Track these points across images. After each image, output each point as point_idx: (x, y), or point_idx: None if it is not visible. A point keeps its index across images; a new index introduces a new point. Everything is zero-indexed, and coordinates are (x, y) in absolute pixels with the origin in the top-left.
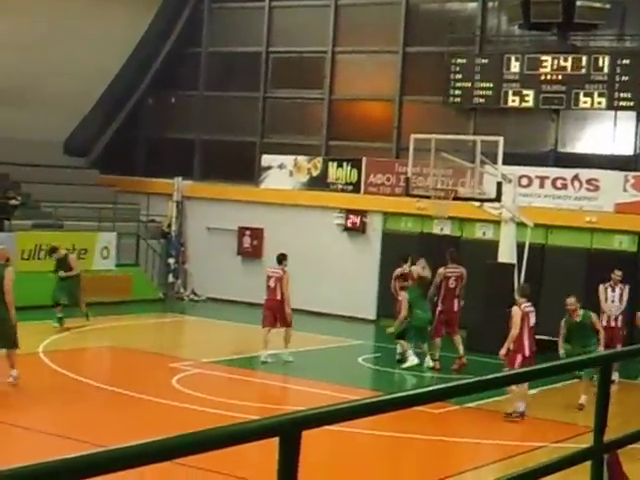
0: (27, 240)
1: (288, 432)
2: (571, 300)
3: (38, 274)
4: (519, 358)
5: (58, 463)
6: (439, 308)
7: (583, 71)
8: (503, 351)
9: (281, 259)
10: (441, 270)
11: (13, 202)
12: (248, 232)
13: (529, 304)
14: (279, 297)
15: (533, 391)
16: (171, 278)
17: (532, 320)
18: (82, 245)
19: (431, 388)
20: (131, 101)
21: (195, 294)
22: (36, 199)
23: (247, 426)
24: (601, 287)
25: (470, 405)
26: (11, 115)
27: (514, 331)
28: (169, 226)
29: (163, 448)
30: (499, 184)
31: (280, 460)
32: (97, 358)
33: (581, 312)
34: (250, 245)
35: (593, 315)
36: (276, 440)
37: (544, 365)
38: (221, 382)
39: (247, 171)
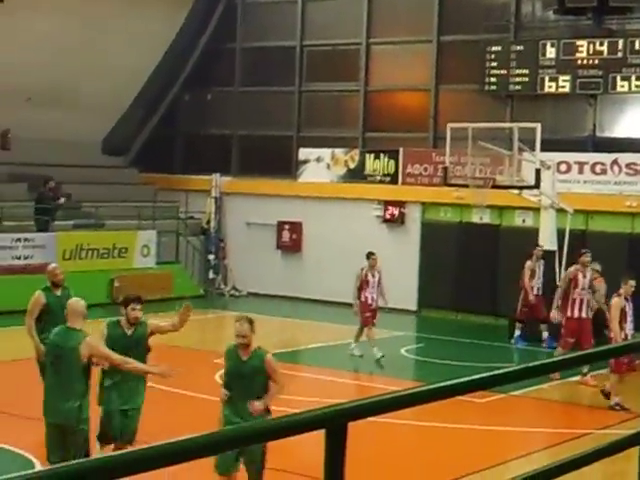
0: (68, 240)
1: (334, 423)
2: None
3: (79, 274)
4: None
5: (102, 460)
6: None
7: (619, 55)
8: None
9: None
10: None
11: (60, 201)
12: (287, 226)
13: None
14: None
15: (577, 378)
16: (211, 274)
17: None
18: (122, 244)
19: (472, 377)
20: (167, 99)
21: (236, 289)
22: (76, 199)
23: (294, 418)
24: None
25: (515, 393)
26: (50, 116)
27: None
28: (208, 222)
29: (210, 442)
30: (538, 171)
31: (327, 451)
32: None
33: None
34: (289, 239)
35: None
36: (322, 432)
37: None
38: None
39: (284, 165)
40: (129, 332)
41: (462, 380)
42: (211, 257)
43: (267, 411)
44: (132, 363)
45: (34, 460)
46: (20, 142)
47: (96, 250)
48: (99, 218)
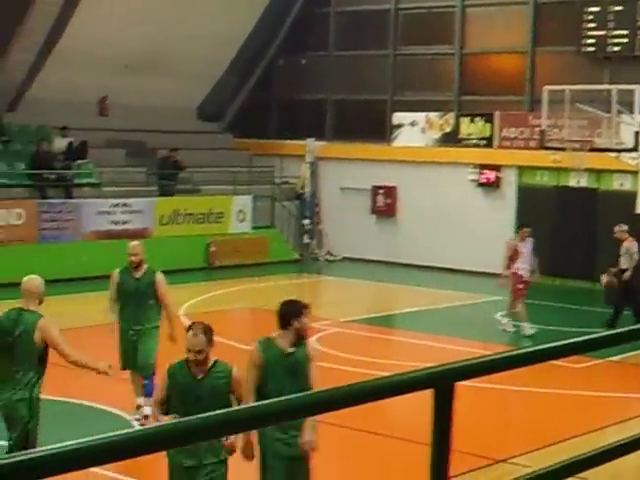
0: (165, 206)
1: (442, 383)
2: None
3: (176, 239)
4: None
5: (217, 417)
6: None
7: None
8: None
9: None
10: None
11: (181, 170)
12: (381, 190)
13: None
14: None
15: None
16: (306, 239)
17: None
18: (218, 209)
19: (574, 340)
20: (262, 64)
21: (330, 254)
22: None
23: (402, 378)
24: None
25: (613, 359)
26: (146, 83)
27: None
28: (303, 187)
29: (319, 401)
30: (637, 133)
31: (435, 412)
32: (238, 319)
33: None
34: (384, 203)
35: None
36: (429, 392)
37: None
38: (361, 341)
39: (379, 130)
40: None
41: (565, 342)
42: (306, 222)
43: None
44: (81, 358)
45: (127, 417)
46: (118, 109)
47: (192, 215)
48: (195, 184)
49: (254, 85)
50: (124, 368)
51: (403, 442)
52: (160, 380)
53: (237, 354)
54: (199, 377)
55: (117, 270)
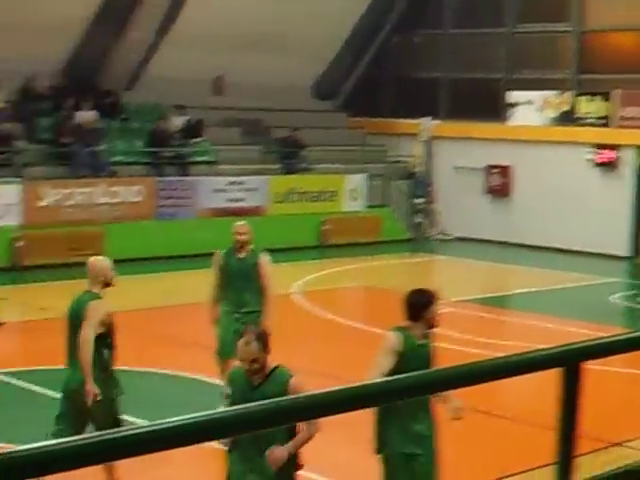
0: (279, 184)
1: (572, 362)
2: None
3: (290, 217)
4: None
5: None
6: None
7: None
8: None
9: None
10: None
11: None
12: (496, 170)
13: None
14: None
15: None
16: (419, 218)
17: None
18: (332, 187)
19: None
20: (376, 42)
21: (443, 233)
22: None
23: (531, 356)
24: None
25: None
26: (261, 60)
27: None
28: (416, 166)
29: (437, 379)
30: None
31: (564, 390)
32: (350, 298)
33: None
34: (498, 183)
35: None
36: (558, 371)
37: None
38: (474, 321)
39: (493, 108)
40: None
41: None
42: (419, 201)
43: (292, 462)
44: (85, 358)
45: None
46: (234, 87)
47: (306, 193)
48: (309, 162)
49: (368, 63)
50: (222, 357)
51: (515, 423)
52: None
53: (347, 332)
54: (255, 384)
55: (220, 252)
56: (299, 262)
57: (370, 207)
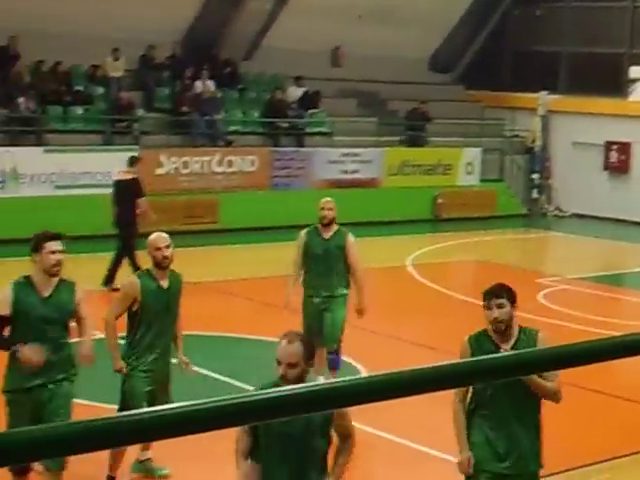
0: (394, 156)
1: None
2: None
3: (403, 190)
4: None
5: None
6: None
7: None
8: None
9: None
10: None
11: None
12: (615, 146)
13: None
14: None
15: None
16: (535, 194)
17: None
18: (447, 161)
19: None
20: (496, 14)
21: (560, 210)
22: (403, 116)
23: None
24: None
25: None
26: (379, 33)
27: None
28: (533, 141)
29: (555, 357)
30: None
31: None
32: (463, 272)
33: None
34: (617, 160)
35: None
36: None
37: None
38: (588, 298)
39: (614, 84)
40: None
41: None
42: (535, 176)
43: None
44: (110, 337)
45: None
46: (350, 59)
47: (421, 166)
48: (425, 135)
49: (487, 36)
50: None
51: (631, 404)
52: None
53: (459, 306)
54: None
55: (304, 230)
56: (413, 235)
57: (485, 181)
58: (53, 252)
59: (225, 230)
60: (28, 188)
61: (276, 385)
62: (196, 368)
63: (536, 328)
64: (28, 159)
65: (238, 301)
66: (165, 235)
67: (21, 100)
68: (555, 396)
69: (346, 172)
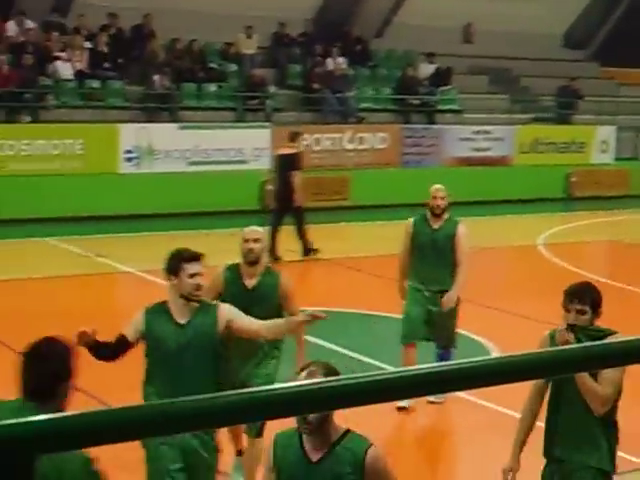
0: (526, 134)
1: None
2: None
3: (536, 168)
4: None
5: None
6: None
7: None
8: None
9: None
10: None
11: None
12: None
13: None
14: None
15: None
16: None
17: None
18: (580, 139)
19: None
20: None
21: None
22: (536, 93)
23: None
24: None
25: None
26: (512, 9)
27: None
28: None
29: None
30: None
31: None
32: (595, 252)
33: None
34: None
35: None
36: None
37: None
38: None
39: None
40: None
41: None
42: None
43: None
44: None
45: (489, 345)
46: (482, 35)
47: (553, 144)
48: (558, 113)
49: (623, 12)
50: (407, 341)
51: None
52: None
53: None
54: (314, 459)
55: (412, 219)
56: (545, 214)
57: (619, 160)
58: (192, 275)
59: (355, 207)
60: (162, 164)
61: (296, 435)
62: (324, 343)
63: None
64: (163, 135)
65: (368, 278)
66: (257, 228)
67: (156, 77)
68: (599, 403)
69: (477, 150)
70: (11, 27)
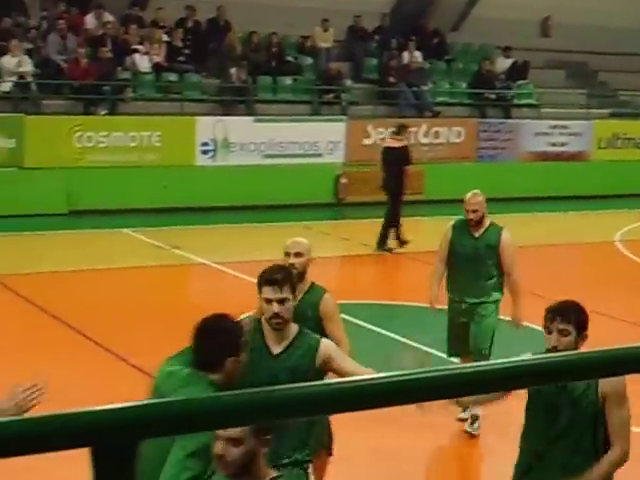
0: (604, 129)
1: None
2: None
3: (614, 163)
4: None
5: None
6: None
7: None
8: None
9: None
10: None
11: None
12: None
13: None
14: None
15: None
16: None
17: None
18: None
19: None
20: None
21: None
22: (614, 87)
23: None
24: None
25: None
26: (591, 2)
27: None
28: None
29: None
30: None
31: None
32: None
33: None
34: None
35: None
36: None
37: None
38: None
39: None
40: None
41: None
42: None
43: None
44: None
45: None
46: (560, 29)
47: (632, 140)
48: (636, 107)
49: None
50: (452, 354)
51: None
52: None
53: None
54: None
55: (451, 224)
56: (622, 210)
57: None
58: (269, 301)
59: (430, 201)
60: (238, 157)
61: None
62: (400, 338)
63: None
64: (239, 128)
65: None
66: (301, 240)
67: (233, 70)
68: (623, 462)
69: (554, 145)
70: (90, 20)
